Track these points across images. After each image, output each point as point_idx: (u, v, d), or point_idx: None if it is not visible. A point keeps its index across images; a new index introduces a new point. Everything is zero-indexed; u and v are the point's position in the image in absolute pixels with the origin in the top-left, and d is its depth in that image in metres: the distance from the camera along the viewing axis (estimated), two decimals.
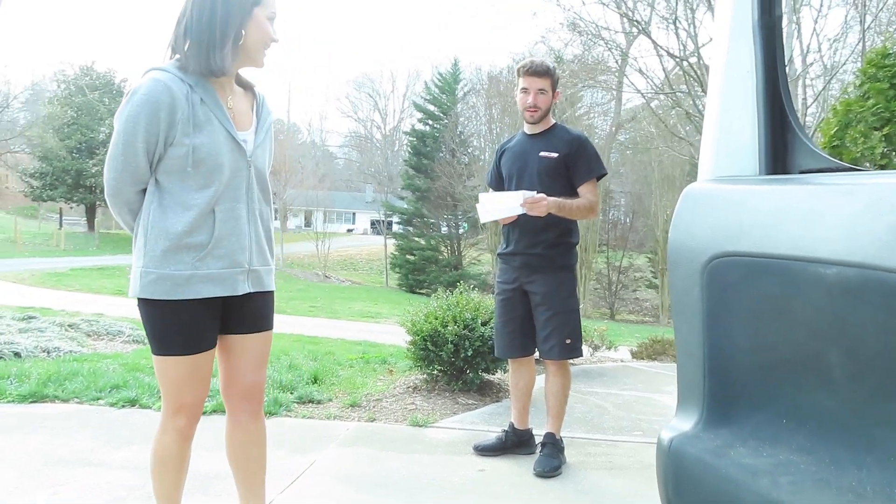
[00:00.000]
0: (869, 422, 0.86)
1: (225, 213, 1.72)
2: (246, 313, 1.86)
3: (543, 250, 2.96)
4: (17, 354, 4.94)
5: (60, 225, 37.75)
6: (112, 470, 2.72)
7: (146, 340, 6.49)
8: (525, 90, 2.99)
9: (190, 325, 1.74)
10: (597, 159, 3.03)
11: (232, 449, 2.01)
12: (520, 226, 3.00)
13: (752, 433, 1.01)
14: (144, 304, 1.72)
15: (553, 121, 3.12)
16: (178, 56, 1.72)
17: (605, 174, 3.09)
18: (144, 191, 1.72)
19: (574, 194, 2.98)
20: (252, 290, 1.82)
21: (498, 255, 3.19)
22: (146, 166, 1.68)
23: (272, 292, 1.93)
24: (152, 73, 1.67)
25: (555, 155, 2.97)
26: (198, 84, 1.69)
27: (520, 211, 2.80)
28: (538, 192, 2.84)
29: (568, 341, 2.95)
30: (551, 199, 2.82)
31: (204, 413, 3.63)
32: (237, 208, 1.75)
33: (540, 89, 2.96)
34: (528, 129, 3.11)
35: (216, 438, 3.24)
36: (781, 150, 1.12)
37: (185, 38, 1.69)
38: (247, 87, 1.88)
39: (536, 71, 2.95)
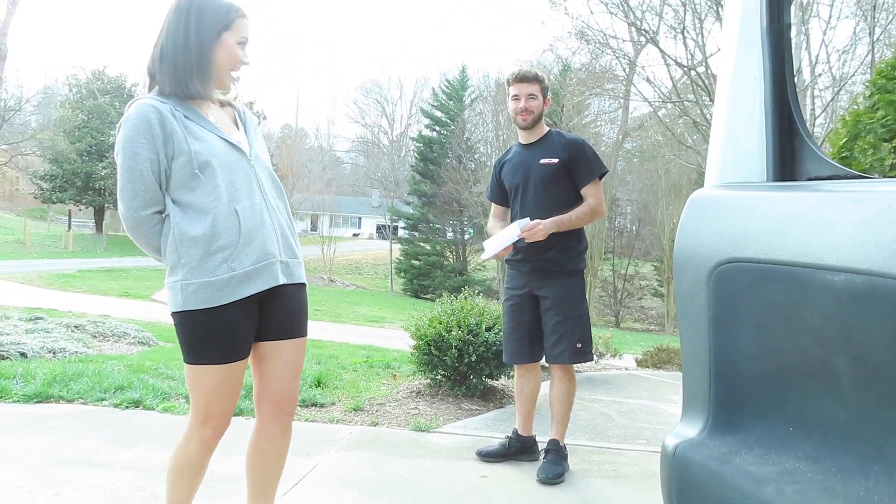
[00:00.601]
0: (876, 430, 0.85)
1: (246, 210, 1.76)
2: (281, 314, 1.87)
3: (553, 255, 2.98)
4: (23, 355, 4.96)
5: (69, 227, 37.97)
6: (116, 471, 2.73)
7: (150, 342, 6.45)
8: (516, 97, 3.05)
9: (227, 332, 1.76)
10: (596, 159, 3.07)
11: (254, 455, 2.01)
12: None
13: (758, 440, 1.00)
14: (184, 314, 1.74)
15: (547, 128, 3.16)
16: (156, 87, 1.79)
17: (607, 172, 3.12)
18: (160, 213, 1.75)
19: (578, 197, 3.01)
20: (287, 282, 1.84)
21: (506, 261, 3.19)
22: (155, 187, 1.71)
23: (304, 286, 1.96)
24: (135, 102, 1.74)
25: (555, 161, 3.00)
26: (178, 105, 1.75)
27: (516, 238, 2.86)
28: (536, 211, 2.94)
29: (579, 345, 2.97)
30: (547, 220, 2.87)
31: None
32: (256, 204, 1.79)
33: (530, 94, 3.02)
34: (523, 138, 3.16)
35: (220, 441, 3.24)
36: (789, 156, 1.12)
37: (161, 63, 1.76)
38: (224, 104, 1.93)
39: (525, 77, 3.04)
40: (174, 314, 1.76)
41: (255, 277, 1.75)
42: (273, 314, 1.85)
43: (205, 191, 1.71)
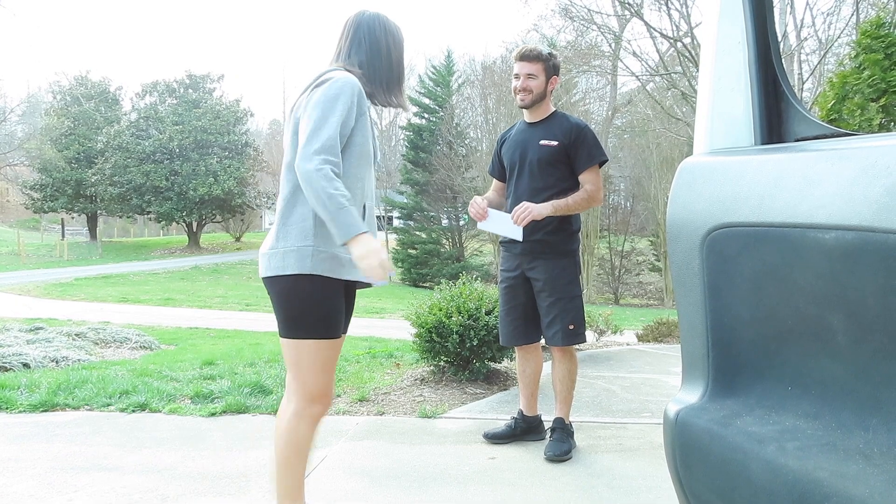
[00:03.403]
0: (873, 384, 0.86)
1: (369, 210, 1.91)
2: (349, 310, 2.01)
3: (544, 236, 2.96)
4: (25, 365, 4.96)
5: (63, 235, 37.83)
6: (126, 474, 2.74)
7: (152, 346, 6.41)
8: (517, 75, 3.01)
9: (340, 307, 1.86)
10: (597, 146, 3.01)
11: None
12: None
13: (758, 401, 1.01)
14: (308, 280, 1.78)
15: (553, 108, 3.10)
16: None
17: (606, 160, 3.06)
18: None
19: (575, 182, 2.98)
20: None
21: (500, 243, 3.19)
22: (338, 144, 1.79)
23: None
24: (344, 72, 1.86)
25: (555, 143, 2.96)
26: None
27: (519, 236, 2.85)
28: (529, 192, 2.96)
29: (571, 327, 2.95)
30: (539, 205, 2.84)
31: (213, 414, 3.68)
32: (370, 207, 1.94)
33: (529, 74, 2.97)
34: (527, 117, 3.11)
35: (226, 438, 3.27)
36: (776, 119, 1.12)
37: (363, 73, 1.92)
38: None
39: (526, 56, 2.98)
40: (292, 277, 1.78)
41: (353, 267, 1.83)
42: (348, 306, 1.98)
43: (357, 176, 1.86)
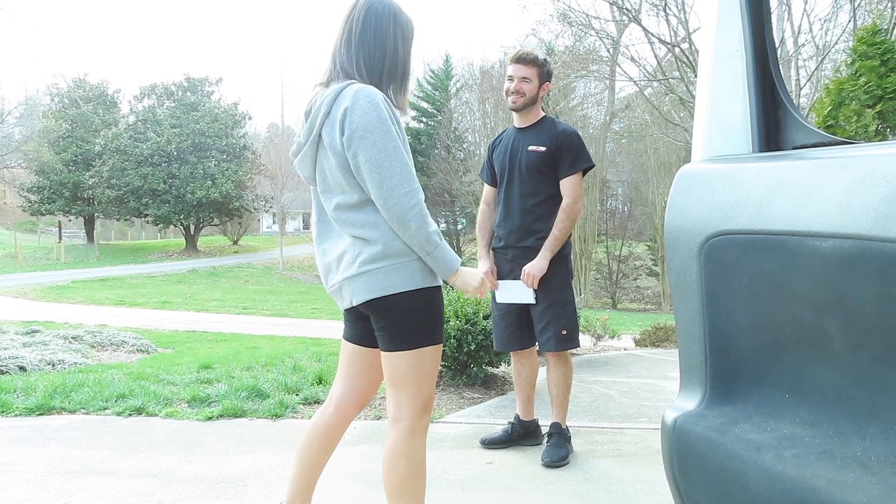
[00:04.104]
0: (871, 391, 0.86)
1: None
2: None
3: (535, 242, 2.97)
4: (22, 368, 4.95)
5: (60, 238, 37.73)
6: (122, 478, 2.73)
7: (149, 350, 6.38)
8: (510, 78, 3.02)
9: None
10: (582, 153, 3.00)
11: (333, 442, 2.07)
12: (510, 221, 3.02)
13: (756, 409, 1.02)
14: (431, 290, 1.77)
15: (543, 114, 3.12)
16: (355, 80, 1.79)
17: (592, 167, 3.06)
18: None
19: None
20: None
21: (492, 249, 3.20)
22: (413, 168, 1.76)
23: None
24: (362, 85, 1.74)
25: (542, 149, 2.97)
26: None
27: (532, 299, 2.95)
28: (519, 199, 3.00)
29: (564, 332, 2.95)
30: (538, 262, 2.90)
31: (210, 418, 3.67)
32: None
33: (523, 77, 2.98)
34: (517, 122, 3.13)
35: (222, 442, 3.26)
36: (773, 126, 1.12)
37: (371, 69, 1.79)
38: None
39: (521, 59, 2.99)
40: (417, 292, 1.74)
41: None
42: None
43: None
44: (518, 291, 2.97)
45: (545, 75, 3.03)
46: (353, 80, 1.75)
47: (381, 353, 1.81)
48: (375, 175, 1.65)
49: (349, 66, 1.78)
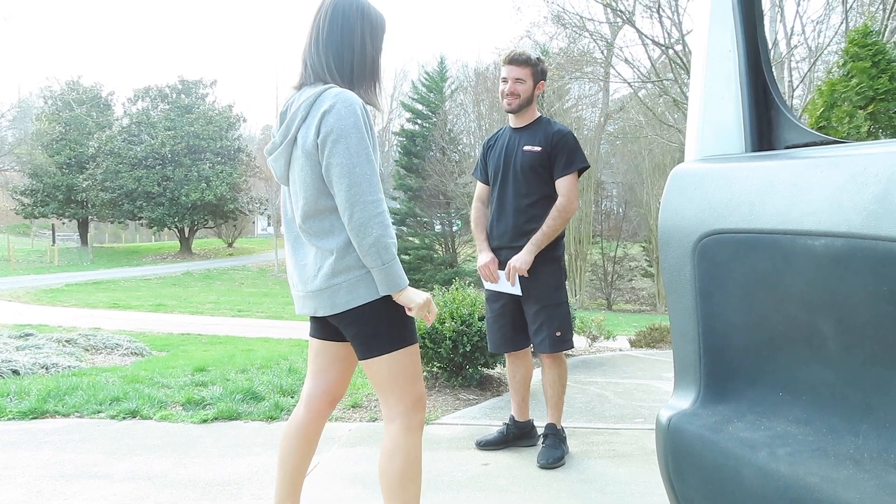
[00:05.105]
0: (864, 389, 0.87)
1: None
2: None
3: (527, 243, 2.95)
4: (15, 372, 4.92)
5: (53, 241, 37.56)
6: (116, 482, 2.72)
7: (143, 353, 6.35)
8: (504, 79, 3.01)
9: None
10: (577, 153, 2.98)
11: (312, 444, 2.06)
12: (503, 222, 3.02)
13: (750, 407, 1.02)
14: (387, 297, 1.75)
15: (538, 114, 3.11)
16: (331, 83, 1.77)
17: (587, 167, 3.04)
18: None
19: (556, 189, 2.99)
20: None
21: None
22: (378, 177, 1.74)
23: None
24: (341, 90, 1.73)
25: (538, 149, 2.96)
26: None
27: (518, 291, 2.94)
28: (513, 199, 3.01)
29: (558, 334, 2.95)
30: (522, 255, 2.90)
31: (205, 421, 3.66)
32: None
33: (517, 78, 2.96)
34: (512, 122, 3.11)
35: (217, 445, 3.25)
36: (766, 126, 1.13)
37: (340, 68, 1.78)
38: None
39: (514, 60, 2.97)
40: (381, 300, 1.74)
41: None
42: None
43: None
44: (504, 283, 2.97)
45: (539, 74, 3.02)
46: (330, 84, 1.75)
47: (360, 360, 1.85)
48: (345, 179, 1.65)
49: (319, 67, 1.78)
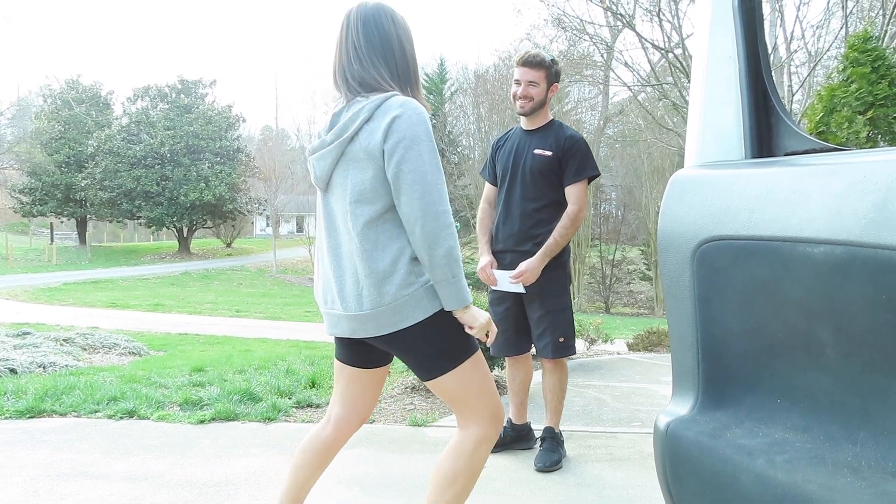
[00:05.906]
0: (862, 397, 0.87)
1: None
2: None
3: (532, 248, 2.93)
4: (12, 371, 4.91)
5: (52, 240, 37.53)
6: (113, 482, 2.71)
7: (141, 352, 6.35)
8: (517, 81, 2.95)
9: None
10: (588, 160, 2.94)
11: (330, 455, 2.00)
12: (509, 225, 3.00)
13: (748, 414, 1.02)
14: (440, 313, 1.67)
15: (551, 117, 3.06)
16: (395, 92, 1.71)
17: (597, 175, 3.00)
18: None
19: (564, 195, 2.96)
20: None
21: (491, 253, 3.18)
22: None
23: None
24: (406, 97, 1.69)
25: (549, 153, 2.92)
26: None
27: (521, 289, 2.91)
28: (520, 202, 2.96)
29: (561, 339, 2.93)
30: (532, 262, 2.86)
31: (202, 422, 3.65)
32: None
33: (531, 81, 2.90)
34: (524, 124, 3.06)
35: (215, 446, 3.24)
36: (766, 133, 1.13)
37: (392, 75, 1.73)
38: None
39: (528, 62, 2.90)
40: (428, 319, 1.64)
41: None
42: None
43: None
44: (505, 281, 2.95)
45: (553, 77, 2.95)
46: (393, 91, 1.69)
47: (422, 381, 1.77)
48: (417, 187, 1.57)
49: (370, 78, 1.70)
